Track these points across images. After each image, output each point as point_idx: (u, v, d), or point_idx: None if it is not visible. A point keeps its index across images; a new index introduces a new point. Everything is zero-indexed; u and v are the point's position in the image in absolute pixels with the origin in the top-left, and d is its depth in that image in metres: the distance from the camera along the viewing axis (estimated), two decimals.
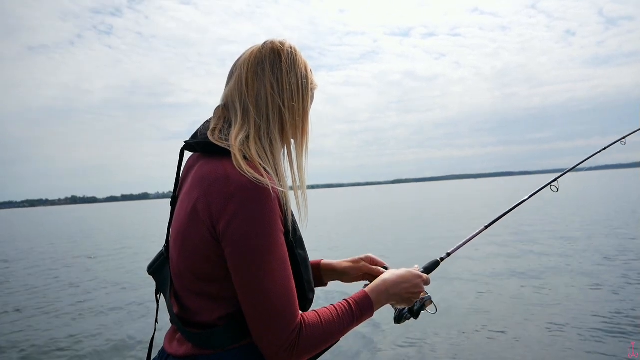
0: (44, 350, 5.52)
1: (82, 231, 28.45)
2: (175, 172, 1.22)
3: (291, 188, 1.12)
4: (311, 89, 1.18)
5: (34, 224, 45.53)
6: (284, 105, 1.12)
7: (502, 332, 5.19)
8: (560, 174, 1.89)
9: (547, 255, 9.74)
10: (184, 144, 1.19)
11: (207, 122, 1.18)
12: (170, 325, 1.19)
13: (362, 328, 1.14)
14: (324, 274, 1.43)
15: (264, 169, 1.05)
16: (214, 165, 1.07)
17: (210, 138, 1.11)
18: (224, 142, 1.09)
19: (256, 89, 1.11)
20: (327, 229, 18.62)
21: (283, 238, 1.04)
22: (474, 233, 1.58)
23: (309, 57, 1.20)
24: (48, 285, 9.85)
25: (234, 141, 1.07)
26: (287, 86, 1.12)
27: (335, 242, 14.40)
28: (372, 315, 1.18)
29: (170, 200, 1.24)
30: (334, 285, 1.47)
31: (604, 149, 2.08)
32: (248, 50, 1.17)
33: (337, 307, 1.12)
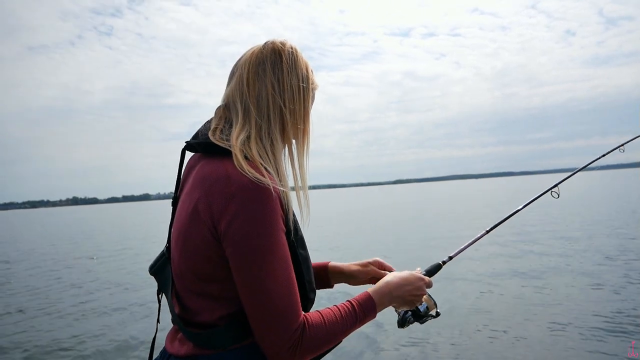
0: (47, 350, 5.54)
1: (84, 232, 28.48)
2: (177, 172, 1.22)
3: (292, 188, 1.12)
4: (312, 89, 1.18)
5: (36, 224, 45.57)
6: (284, 106, 1.12)
7: (504, 332, 5.19)
8: (560, 180, 1.89)
9: (548, 255, 9.74)
10: (185, 144, 1.19)
11: (208, 122, 1.18)
12: (172, 325, 1.20)
13: (365, 328, 1.15)
14: (332, 276, 1.43)
15: (265, 169, 1.05)
16: (215, 166, 1.07)
17: (211, 138, 1.11)
18: (225, 142, 1.09)
19: (257, 89, 1.11)
20: (328, 229, 18.62)
21: (285, 238, 1.04)
22: (475, 237, 1.59)
23: (309, 58, 1.20)
24: (50, 286, 9.86)
25: (235, 141, 1.07)
26: (288, 86, 1.12)
27: (337, 243, 14.40)
28: (374, 317, 1.18)
29: (171, 200, 1.24)
30: (337, 286, 1.47)
31: (603, 156, 2.10)
32: (249, 50, 1.17)
33: (340, 308, 1.12)
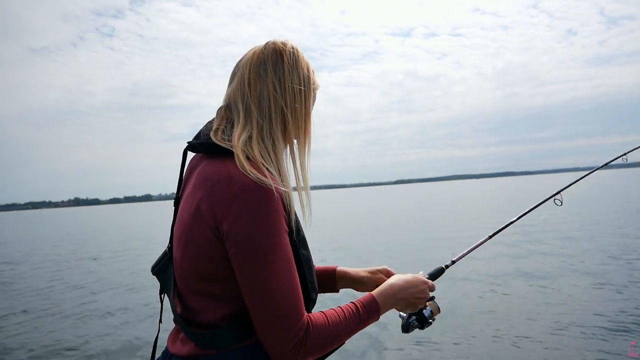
0: (51, 350, 5.55)
1: (86, 233, 28.52)
2: (178, 172, 1.23)
3: (294, 188, 1.12)
4: (313, 89, 1.18)
5: (38, 226, 45.65)
6: (286, 106, 1.12)
7: (507, 331, 5.18)
8: (562, 187, 1.89)
9: (550, 255, 9.72)
10: (187, 144, 1.19)
11: (210, 122, 1.18)
12: (174, 325, 1.20)
13: (369, 327, 1.16)
14: (338, 280, 1.43)
15: (267, 169, 1.05)
16: (217, 166, 1.07)
17: (213, 139, 1.11)
18: (227, 142, 1.09)
19: (258, 89, 1.11)
20: (329, 229, 18.61)
21: (287, 238, 1.04)
22: (478, 242, 1.61)
23: (310, 58, 1.20)
24: (53, 287, 9.88)
25: (237, 142, 1.07)
26: (290, 86, 1.12)
27: (338, 243, 14.39)
28: (378, 319, 1.18)
29: (173, 200, 1.24)
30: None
31: (606, 164, 2.11)
32: (250, 50, 1.17)
33: (344, 309, 1.12)
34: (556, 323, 5.34)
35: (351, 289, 1.45)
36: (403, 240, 14.55)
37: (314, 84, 1.18)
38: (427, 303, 1.31)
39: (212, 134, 1.12)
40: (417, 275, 1.30)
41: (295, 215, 1.09)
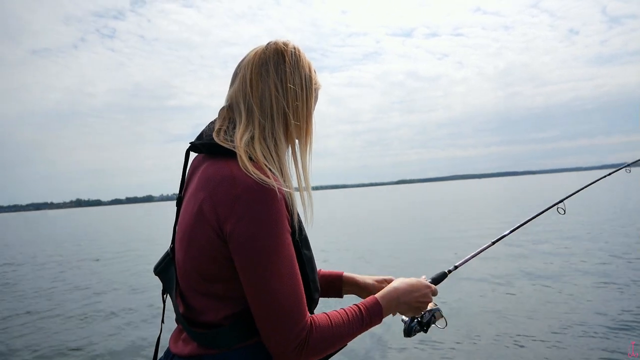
0: (55, 351, 5.57)
1: (88, 234, 28.56)
2: (181, 173, 1.23)
3: (296, 189, 1.12)
4: (315, 89, 1.18)
5: (40, 227, 45.74)
6: (288, 106, 1.12)
7: (509, 331, 5.18)
8: (566, 195, 1.91)
9: (553, 255, 9.71)
10: (189, 144, 1.20)
11: (212, 123, 1.18)
12: (176, 325, 1.20)
13: (372, 328, 1.16)
14: (344, 285, 1.44)
15: (269, 169, 1.05)
16: (220, 166, 1.07)
17: (216, 139, 1.11)
18: (229, 143, 1.09)
19: (260, 89, 1.11)
20: (332, 230, 18.61)
21: (290, 239, 1.04)
22: (481, 248, 1.63)
23: (311, 59, 1.19)
24: (56, 288, 9.90)
25: (239, 142, 1.07)
26: (291, 86, 1.12)
27: (339, 244, 14.38)
28: (380, 322, 1.18)
29: (175, 201, 1.24)
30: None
31: (609, 174, 2.13)
32: (252, 51, 1.17)
33: (347, 310, 1.12)
34: (558, 322, 5.33)
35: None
36: (405, 240, 14.54)
37: (315, 83, 1.18)
38: (430, 306, 1.31)
39: (214, 135, 1.12)
40: (420, 279, 1.31)
41: (298, 215, 1.09)
